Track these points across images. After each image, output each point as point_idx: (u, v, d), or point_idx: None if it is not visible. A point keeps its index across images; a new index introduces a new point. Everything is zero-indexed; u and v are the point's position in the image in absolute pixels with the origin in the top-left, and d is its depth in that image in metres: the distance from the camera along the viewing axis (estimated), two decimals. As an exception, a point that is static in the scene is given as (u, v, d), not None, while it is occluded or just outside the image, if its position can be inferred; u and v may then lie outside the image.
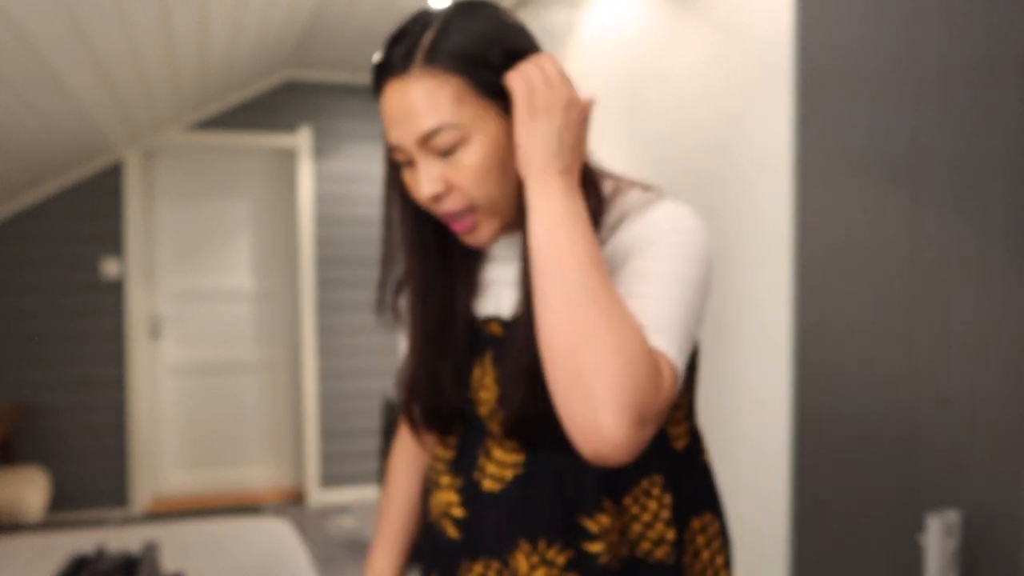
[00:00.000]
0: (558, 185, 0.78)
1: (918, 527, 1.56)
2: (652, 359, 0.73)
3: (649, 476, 0.89)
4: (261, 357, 4.92)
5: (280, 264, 4.91)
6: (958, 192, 1.53)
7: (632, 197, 0.89)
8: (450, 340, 0.94)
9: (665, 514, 0.89)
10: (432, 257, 0.94)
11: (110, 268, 4.44)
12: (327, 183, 4.73)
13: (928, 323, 1.59)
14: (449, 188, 0.84)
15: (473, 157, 0.83)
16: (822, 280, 1.87)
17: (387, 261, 0.96)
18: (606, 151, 3.10)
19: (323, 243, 4.73)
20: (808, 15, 1.89)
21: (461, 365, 0.93)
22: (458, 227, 0.87)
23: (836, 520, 1.83)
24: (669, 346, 0.77)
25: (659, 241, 0.82)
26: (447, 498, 0.96)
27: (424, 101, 0.81)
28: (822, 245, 1.87)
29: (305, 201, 4.69)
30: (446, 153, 0.83)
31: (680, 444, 0.93)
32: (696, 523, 0.93)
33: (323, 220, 4.73)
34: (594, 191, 0.88)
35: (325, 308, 4.73)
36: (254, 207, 4.89)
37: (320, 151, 4.73)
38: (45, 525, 4.01)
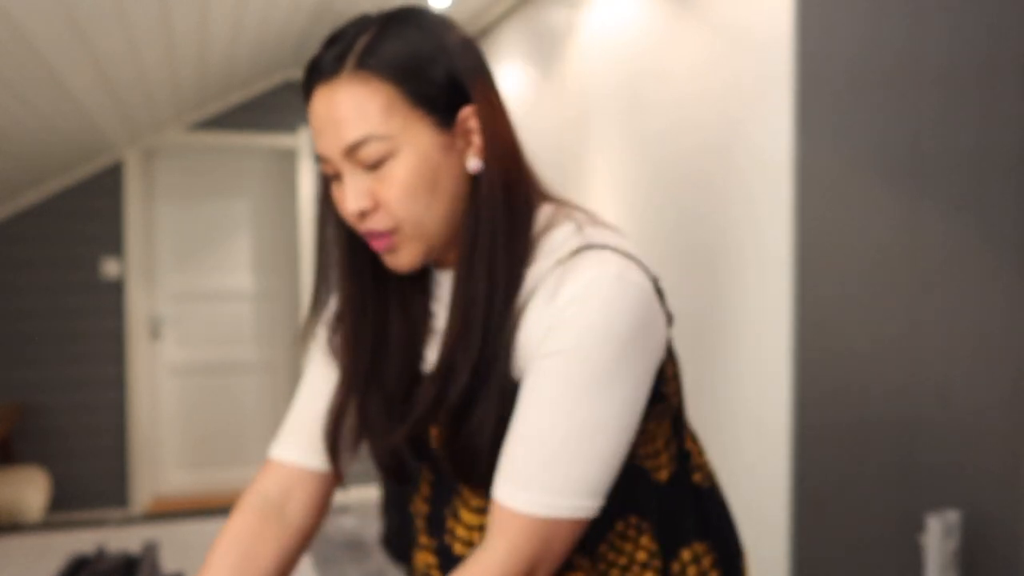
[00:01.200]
0: None
1: (918, 527, 1.56)
2: None
3: (624, 518, 0.83)
4: (261, 357, 4.92)
5: (280, 264, 4.91)
6: (958, 193, 1.53)
7: (557, 238, 0.80)
8: (381, 376, 0.87)
9: (641, 556, 0.83)
10: (367, 283, 0.87)
11: (110, 268, 4.45)
12: (327, 183, 4.73)
13: (928, 324, 1.59)
14: (376, 205, 0.78)
15: (401, 171, 0.76)
16: (822, 281, 1.87)
17: (320, 284, 0.89)
18: (606, 152, 3.09)
19: (323, 243, 4.73)
20: (808, 16, 1.89)
21: (397, 410, 0.86)
22: (377, 245, 0.80)
23: (836, 520, 1.83)
24: (576, 499, 0.73)
25: (566, 355, 0.73)
26: (426, 559, 0.91)
27: (352, 109, 0.76)
28: (822, 246, 1.87)
29: (305, 201, 4.69)
30: (373, 167, 0.77)
31: (663, 475, 0.86)
32: (686, 554, 0.87)
33: (323, 220, 4.73)
34: (519, 240, 0.80)
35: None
36: (254, 207, 4.89)
37: (320, 151, 4.73)
38: (45, 525, 4.01)
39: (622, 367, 0.74)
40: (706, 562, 0.88)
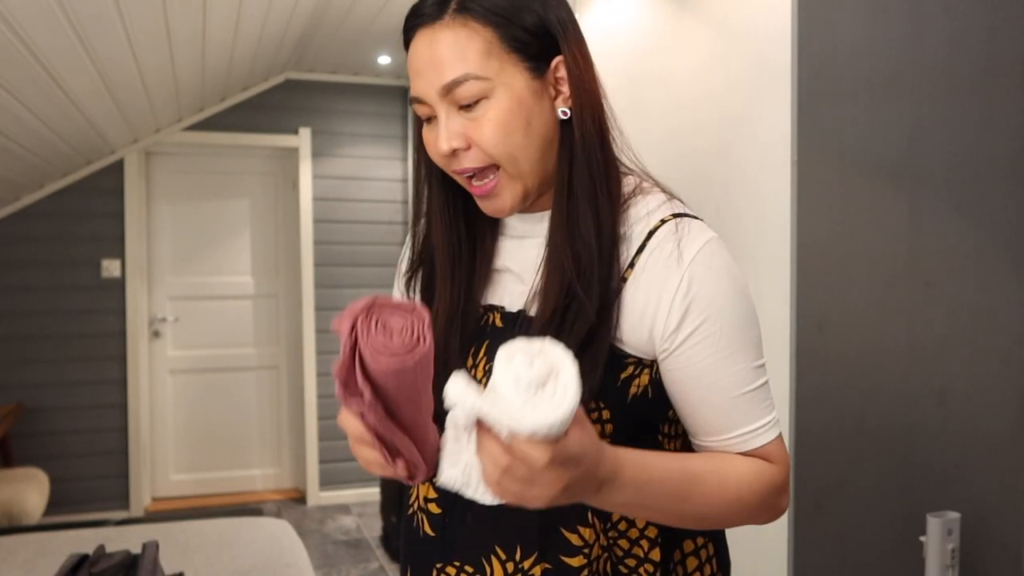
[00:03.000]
0: (605, 501, 0.73)
1: (918, 527, 1.56)
2: (764, 498, 0.82)
3: None
4: (261, 357, 4.92)
5: (280, 264, 4.91)
6: (957, 192, 1.53)
7: (651, 202, 0.85)
8: (465, 323, 0.89)
9: (652, 532, 0.86)
10: (461, 227, 0.91)
11: (110, 268, 4.44)
12: (326, 184, 4.73)
13: (927, 324, 1.59)
14: (468, 144, 0.81)
15: (496, 111, 0.79)
16: (822, 280, 1.87)
17: (415, 225, 0.94)
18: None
19: (323, 244, 4.73)
20: (808, 16, 1.89)
21: (468, 350, 0.89)
22: (478, 190, 0.83)
23: (836, 520, 1.83)
24: (770, 432, 0.83)
25: (710, 320, 0.80)
26: (425, 492, 0.92)
27: (452, 50, 0.79)
28: (823, 245, 1.87)
29: (305, 202, 4.69)
30: (468, 107, 0.80)
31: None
32: (688, 545, 0.89)
33: (323, 221, 4.73)
34: (614, 187, 0.85)
35: (325, 308, 4.73)
36: (254, 208, 4.89)
37: (319, 152, 4.73)
38: (45, 525, 4.01)
39: (752, 310, 0.84)
40: (704, 554, 0.91)
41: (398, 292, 0.99)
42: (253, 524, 2.71)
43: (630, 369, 0.82)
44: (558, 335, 0.80)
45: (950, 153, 1.54)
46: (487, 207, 0.85)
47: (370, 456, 0.73)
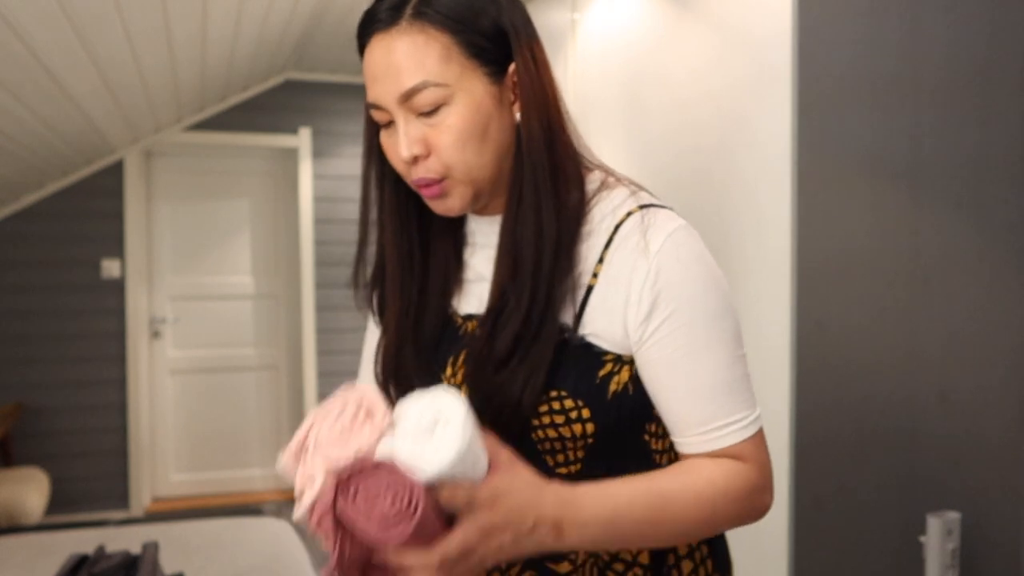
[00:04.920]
0: (570, 542, 0.73)
1: (918, 527, 1.56)
2: (742, 502, 0.81)
3: None
4: (261, 357, 4.92)
5: (280, 265, 4.92)
6: (958, 193, 1.53)
7: (616, 197, 0.85)
8: (418, 328, 0.89)
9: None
10: (413, 233, 0.90)
11: (110, 268, 4.45)
12: (327, 184, 4.73)
13: (928, 324, 1.59)
14: (427, 151, 0.80)
15: (454, 118, 0.79)
16: (822, 281, 1.87)
17: (363, 242, 0.91)
18: (606, 152, 3.10)
19: (323, 244, 4.73)
20: (808, 17, 1.89)
21: (428, 357, 0.89)
22: (428, 192, 0.83)
23: (836, 520, 1.83)
24: (749, 428, 0.81)
25: (680, 310, 0.79)
26: None
27: (410, 57, 0.78)
28: (822, 246, 1.87)
29: (305, 202, 4.69)
30: (427, 114, 0.79)
31: (665, 460, 0.88)
32: (682, 548, 0.88)
33: (323, 221, 4.73)
34: (577, 186, 0.85)
35: (325, 308, 4.73)
36: (254, 207, 4.89)
37: (320, 152, 4.73)
38: (45, 525, 4.01)
39: (726, 300, 0.82)
40: (699, 555, 0.91)
41: (371, 321, 0.98)
42: (253, 524, 2.71)
43: (609, 366, 0.82)
44: (491, 337, 0.81)
45: (951, 152, 1.54)
46: (436, 207, 0.85)
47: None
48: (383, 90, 0.80)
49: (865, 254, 1.75)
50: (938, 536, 1.47)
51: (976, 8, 1.49)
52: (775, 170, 2.03)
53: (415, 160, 0.81)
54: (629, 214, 0.82)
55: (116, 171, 4.46)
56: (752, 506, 0.82)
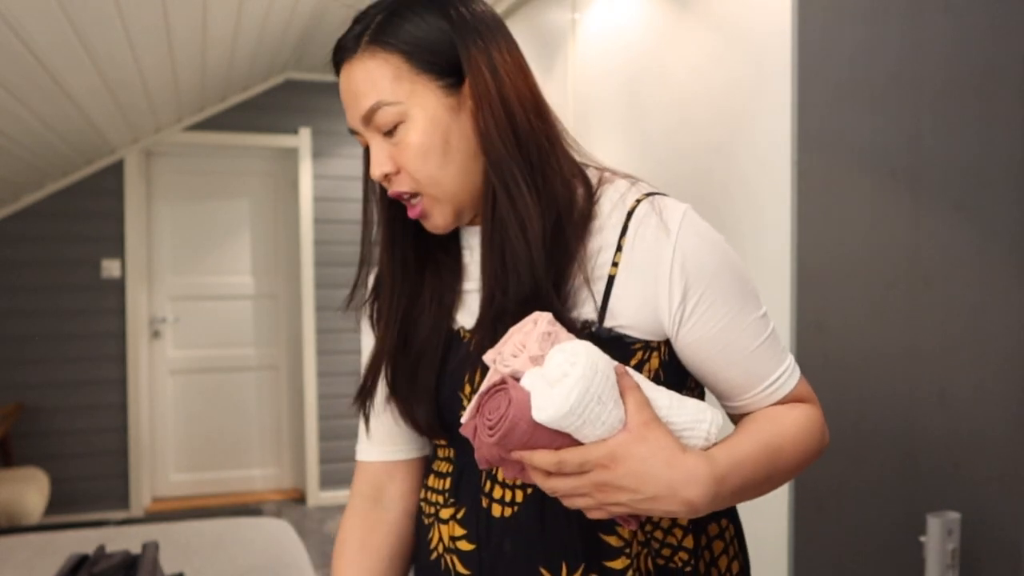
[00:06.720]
0: (699, 513, 0.74)
1: (918, 527, 1.56)
2: (818, 439, 0.85)
3: None
4: (261, 357, 4.92)
5: (280, 265, 4.92)
6: (958, 193, 1.53)
7: (619, 188, 0.87)
8: (412, 338, 0.91)
9: (684, 519, 0.86)
10: (407, 250, 0.92)
11: (110, 268, 4.45)
12: (326, 184, 4.73)
13: (928, 324, 1.59)
14: (397, 169, 0.84)
15: (412, 135, 0.82)
16: (822, 281, 1.87)
17: (364, 261, 0.94)
18: (606, 151, 3.09)
19: (323, 244, 4.73)
20: (808, 16, 1.89)
21: (425, 374, 0.89)
22: (411, 212, 0.87)
23: (836, 520, 1.83)
24: (793, 376, 0.86)
25: (712, 284, 0.82)
26: (450, 531, 0.90)
27: (365, 81, 0.82)
28: (822, 246, 1.87)
29: (305, 202, 4.69)
30: (389, 133, 0.83)
31: None
32: (713, 528, 0.90)
33: (323, 221, 4.73)
34: (580, 181, 0.87)
35: (325, 308, 4.73)
36: (254, 207, 4.89)
37: (319, 152, 4.73)
38: (45, 525, 4.01)
39: (740, 263, 0.87)
40: (728, 535, 0.93)
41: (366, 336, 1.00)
42: (253, 524, 2.71)
43: (639, 355, 0.82)
44: (492, 329, 0.83)
45: (951, 153, 1.54)
46: (426, 225, 0.88)
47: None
48: (351, 115, 0.85)
49: (865, 254, 1.75)
50: (938, 536, 1.47)
51: (976, 9, 1.49)
52: (775, 169, 2.03)
53: (387, 178, 0.85)
54: (638, 202, 0.84)
55: (116, 171, 4.46)
56: (823, 440, 0.87)
